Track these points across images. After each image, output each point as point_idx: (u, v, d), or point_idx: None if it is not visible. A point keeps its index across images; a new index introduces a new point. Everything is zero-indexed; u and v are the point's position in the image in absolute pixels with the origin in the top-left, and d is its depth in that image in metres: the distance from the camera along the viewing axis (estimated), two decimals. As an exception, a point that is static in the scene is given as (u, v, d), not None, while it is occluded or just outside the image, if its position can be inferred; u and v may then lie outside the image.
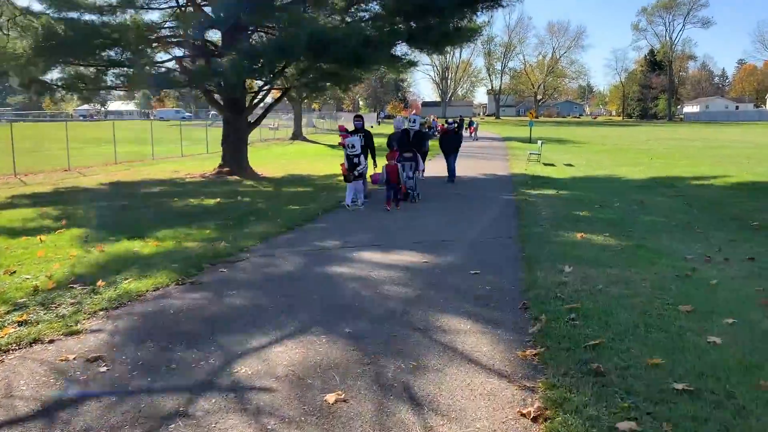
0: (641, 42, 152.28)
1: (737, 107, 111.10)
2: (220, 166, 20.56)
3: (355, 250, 7.77)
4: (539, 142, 25.75)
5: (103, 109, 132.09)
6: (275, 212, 11.49)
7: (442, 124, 50.53)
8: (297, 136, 47.48)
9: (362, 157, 11.75)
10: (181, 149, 32.88)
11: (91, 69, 17.25)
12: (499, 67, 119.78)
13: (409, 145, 13.17)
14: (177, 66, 19.31)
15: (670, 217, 10.73)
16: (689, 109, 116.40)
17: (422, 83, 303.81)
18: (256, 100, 22.67)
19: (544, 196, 13.62)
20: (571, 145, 38.52)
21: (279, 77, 18.57)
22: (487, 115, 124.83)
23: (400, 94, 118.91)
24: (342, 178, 12.37)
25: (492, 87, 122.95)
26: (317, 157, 29.79)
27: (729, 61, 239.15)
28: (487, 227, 9.59)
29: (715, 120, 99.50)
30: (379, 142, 14.33)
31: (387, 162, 11.84)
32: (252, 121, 21.56)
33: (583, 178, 18.32)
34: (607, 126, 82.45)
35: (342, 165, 11.80)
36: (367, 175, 12.51)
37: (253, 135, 47.10)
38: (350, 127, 13.58)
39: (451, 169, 16.65)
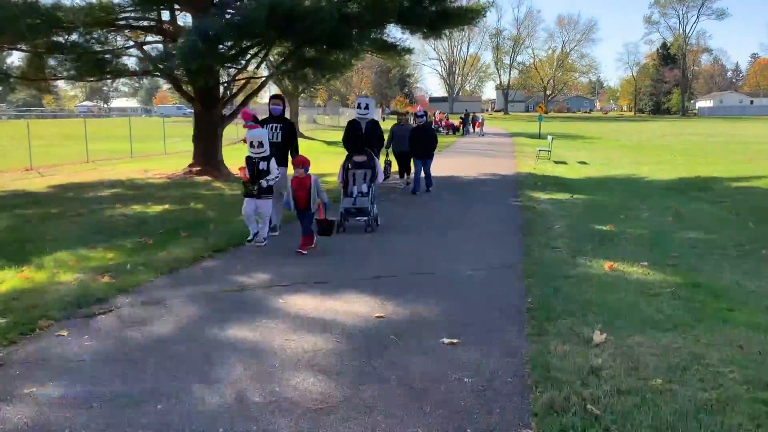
0: (654, 35, 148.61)
1: (752, 102, 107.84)
2: (191, 165, 18.27)
3: (286, 291, 5.40)
4: (549, 137, 23.28)
5: (105, 105, 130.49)
6: (219, 225, 9.18)
7: (447, 119, 48.25)
8: (293, 132, 45.07)
9: (273, 162, 7.34)
10: (164, 146, 30.66)
11: (28, 55, 14.93)
12: (508, 62, 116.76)
13: (360, 143, 9.17)
14: (139, 52, 17.03)
15: (719, 233, 8.29)
16: (702, 104, 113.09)
17: (429, 78, 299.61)
18: (233, 92, 20.50)
19: (556, 202, 11.22)
20: (583, 140, 35.97)
21: (244, 62, 16.21)
22: (496, 111, 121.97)
23: (406, 90, 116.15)
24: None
25: (500, 82, 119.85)
26: (308, 155, 27.40)
27: (742, 55, 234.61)
28: (481, 250, 7.19)
29: (730, 115, 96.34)
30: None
31: (294, 171, 7.25)
32: (227, 114, 19.27)
33: (599, 178, 15.87)
34: (619, 121, 79.48)
35: (241, 169, 7.41)
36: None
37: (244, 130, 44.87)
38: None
39: (427, 174, 12.65)
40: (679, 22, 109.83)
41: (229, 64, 16.25)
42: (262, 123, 8.20)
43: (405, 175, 13.92)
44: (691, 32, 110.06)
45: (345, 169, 8.93)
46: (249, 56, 16.83)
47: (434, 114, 54.54)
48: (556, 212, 9.98)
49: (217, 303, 5.10)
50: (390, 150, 13.29)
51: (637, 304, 4.87)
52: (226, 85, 18.52)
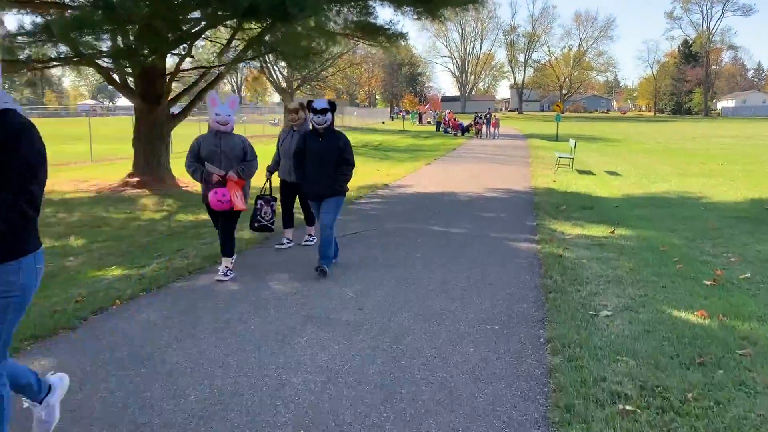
0: (675, 31, 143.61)
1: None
2: (129, 174, 14.75)
3: None
4: (572, 141, 19.44)
5: (111, 104, 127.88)
6: (48, 291, 5.57)
7: (455, 120, 44.05)
8: (287, 132, 41.48)
9: None
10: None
11: None
12: (522, 60, 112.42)
13: None
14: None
15: None
16: (725, 104, 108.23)
17: (441, 77, 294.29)
18: (189, 85, 17.06)
19: (593, 244, 7.48)
20: (604, 143, 32.06)
21: (186, 45, 12.63)
22: (510, 111, 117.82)
23: (417, 88, 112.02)
24: None
25: (515, 81, 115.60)
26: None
27: (764, 54, 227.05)
28: (455, 396, 3.47)
29: (756, 115, 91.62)
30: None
31: None
32: (176, 112, 15.75)
33: (641, 198, 12.05)
34: (639, 122, 74.99)
35: None
36: None
37: (237, 131, 41.26)
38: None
39: (324, 232, 6.08)
40: (703, 19, 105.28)
41: (161, 47, 12.61)
42: None
43: (292, 226, 7.68)
44: (715, 29, 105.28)
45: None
46: (188, 38, 13.23)
47: (443, 113, 50.45)
48: (597, 269, 6.24)
49: None
50: (274, 175, 7.42)
51: None
52: (170, 76, 14.97)
